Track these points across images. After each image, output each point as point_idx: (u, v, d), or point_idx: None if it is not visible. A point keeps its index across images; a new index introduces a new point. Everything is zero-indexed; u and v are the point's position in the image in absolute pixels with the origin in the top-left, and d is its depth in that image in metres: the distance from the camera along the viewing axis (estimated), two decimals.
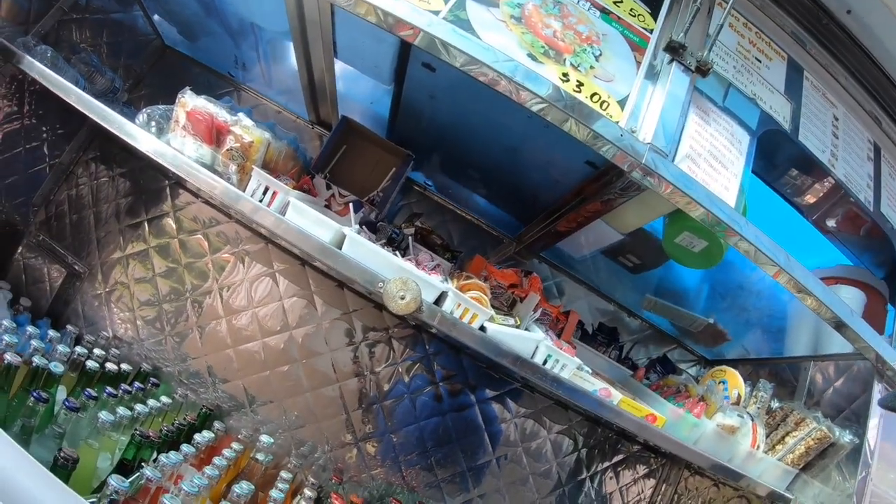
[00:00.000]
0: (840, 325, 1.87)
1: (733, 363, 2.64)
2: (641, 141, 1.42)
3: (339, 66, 2.02)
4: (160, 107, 1.64)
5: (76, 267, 2.36)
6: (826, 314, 1.83)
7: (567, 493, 2.59)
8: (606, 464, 2.65)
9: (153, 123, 1.58)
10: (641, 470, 2.69)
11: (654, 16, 1.71)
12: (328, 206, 1.95)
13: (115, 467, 1.44)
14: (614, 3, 1.65)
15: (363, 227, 1.74)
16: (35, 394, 1.30)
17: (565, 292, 2.68)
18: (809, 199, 2.20)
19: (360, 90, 2.23)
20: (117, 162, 2.39)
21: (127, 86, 2.38)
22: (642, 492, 2.68)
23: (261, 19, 2.09)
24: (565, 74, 1.42)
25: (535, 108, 1.35)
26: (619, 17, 1.63)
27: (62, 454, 1.19)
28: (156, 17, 2.41)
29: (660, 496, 2.67)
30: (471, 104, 1.66)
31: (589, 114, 1.38)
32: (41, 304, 2.32)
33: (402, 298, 1.38)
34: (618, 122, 1.43)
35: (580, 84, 1.43)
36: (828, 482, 1.94)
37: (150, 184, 2.41)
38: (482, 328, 1.54)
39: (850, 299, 2.16)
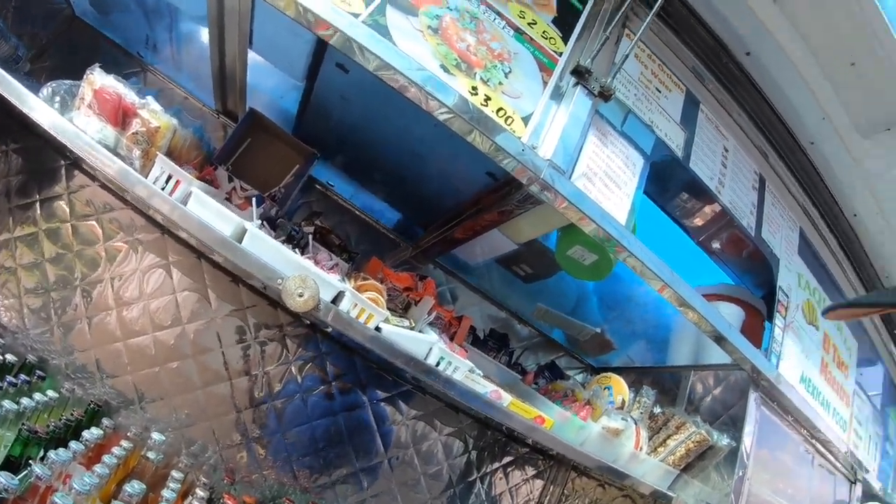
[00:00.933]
0: (719, 338, 2.12)
1: (619, 371, 2.85)
2: (542, 157, 1.57)
3: (252, 56, 2.06)
4: (66, 82, 1.62)
5: None
6: (706, 328, 2.07)
7: (458, 494, 2.72)
8: (496, 465, 2.81)
9: (57, 98, 1.57)
10: (530, 471, 2.88)
11: (565, 40, 1.88)
12: (229, 199, 1.98)
13: (0, 464, 1.42)
14: (528, 24, 1.81)
15: (263, 222, 1.77)
16: None
17: (459, 298, 2.82)
18: (697, 221, 2.44)
19: (270, 83, 2.27)
20: (12, 136, 2.28)
21: (30, 55, 2.28)
22: (531, 492, 2.87)
23: (178, 0, 2.13)
24: (474, 88, 1.55)
25: (441, 118, 1.46)
26: (532, 38, 1.79)
27: None
28: None
29: (548, 496, 2.87)
30: (380, 108, 1.75)
31: (493, 127, 1.51)
32: None
33: (301, 296, 1.45)
34: (520, 138, 1.57)
35: (488, 98, 1.56)
36: (707, 482, 2.18)
37: (45, 163, 2.32)
38: (378, 329, 1.62)
39: (729, 315, 2.40)
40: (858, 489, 3.10)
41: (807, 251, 2.82)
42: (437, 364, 1.70)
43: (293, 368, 2.53)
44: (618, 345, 2.78)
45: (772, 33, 2.24)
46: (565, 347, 3.03)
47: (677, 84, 2.24)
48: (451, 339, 2.11)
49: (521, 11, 1.82)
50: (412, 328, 1.79)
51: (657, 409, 2.35)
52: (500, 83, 1.63)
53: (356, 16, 1.46)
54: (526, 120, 1.62)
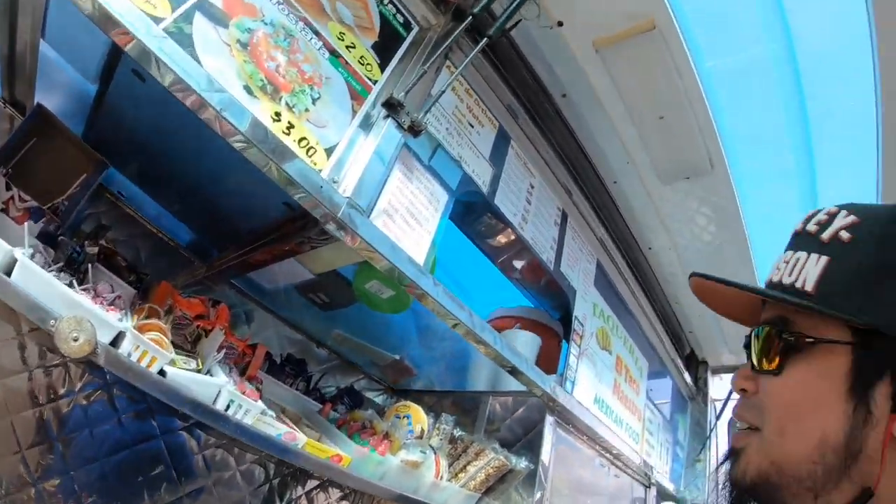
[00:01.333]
0: (514, 371, 2.26)
1: (419, 393, 2.98)
2: (341, 193, 1.57)
3: (46, 47, 1.86)
4: None
5: None
6: (502, 362, 2.20)
7: None
8: (300, 491, 2.78)
9: None
10: (335, 494, 2.89)
11: (383, 67, 1.90)
12: (5, 211, 1.76)
13: None
14: (347, 47, 1.80)
15: (41, 240, 1.60)
16: None
17: (255, 319, 2.71)
18: (500, 251, 2.60)
19: (63, 79, 2.06)
20: None
21: None
22: None
23: None
24: (278, 113, 1.51)
25: (237, 146, 1.41)
26: (347, 63, 1.78)
27: None
28: None
29: None
30: (178, 122, 1.64)
31: (291, 160, 1.47)
32: None
33: (76, 340, 1.30)
34: (321, 171, 1.55)
35: (291, 126, 1.53)
36: (509, 502, 2.33)
37: None
38: (162, 372, 1.51)
39: (525, 343, 2.57)
40: (653, 491, 3.54)
41: (603, 281, 3.10)
42: (227, 408, 1.63)
43: (81, 398, 2.30)
44: (417, 370, 2.88)
45: (589, 80, 2.43)
46: (364, 371, 3.07)
47: (491, 120, 2.34)
48: (245, 370, 2.04)
49: (341, 33, 1.81)
50: (200, 368, 1.71)
51: (458, 432, 2.47)
52: (307, 109, 1.61)
53: (158, 21, 1.36)
54: (329, 151, 1.62)
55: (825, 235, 0.88)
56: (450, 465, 2.32)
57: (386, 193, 1.76)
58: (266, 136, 1.45)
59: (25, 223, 1.70)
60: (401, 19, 2.05)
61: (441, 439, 2.35)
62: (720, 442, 4.44)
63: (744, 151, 2.76)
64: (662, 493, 3.77)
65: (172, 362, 1.57)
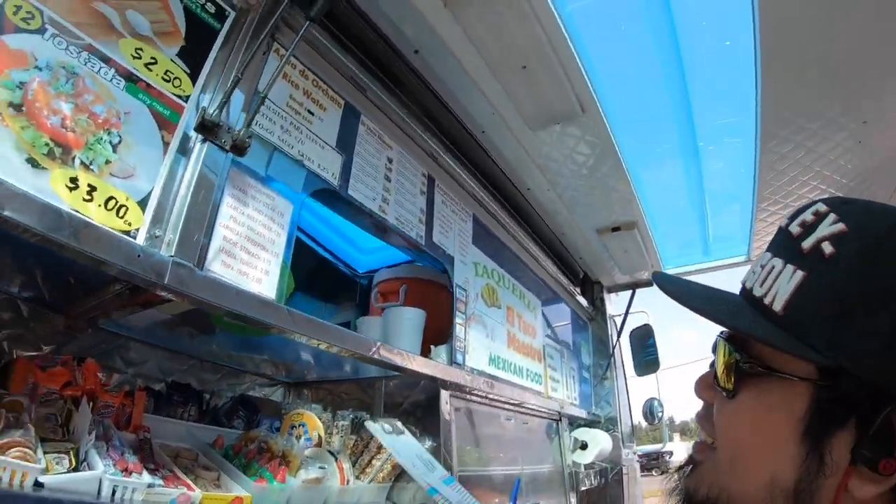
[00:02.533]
0: (398, 369, 2.34)
1: (316, 384, 3.04)
2: (163, 252, 1.50)
3: None
4: None
5: None
6: (386, 365, 2.29)
7: None
8: None
9: None
10: None
11: (194, 76, 1.77)
12: None
13: None
14: (146, 65, 1.65)
15: None
16: None
17: (132, 358, 2.59)
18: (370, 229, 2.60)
19: None
20: None
21: None
22: None
23: None
24: (74, 179, 1.40)
25: (32, 241, 1.31)
26: (149, 85, 1.64)
27: None
28: None
29: None
30: None
31: (98, 237, 1.39)
32: None
33: None
34: (137, 232, 1.48)
35: (92, 189, 1.43)
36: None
37: None
38: (38, 483, 1.43)
39: (411, 319, 2.67)
40: (565, 423, 3.91)
41: (482, 234, 3.17)
42: (113, 495, 1.62)
43: None
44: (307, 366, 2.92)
45: (440, 35, 2.40)
46: (256, 372, 3.08)
47: (334, 99, 2.27)
48: (129, 421, 2.02)
49: (136, 49, 1.66)
50: (75, 459, 1.64)
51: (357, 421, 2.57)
52: (108, 162, 1.50)
53: None
54: (143, 203, 1.53)
55: (806, 245, 0.82)
56: (355, 463, 2.41)
57: (219, 229, 1.69)
58: (60, 221, 1.33)
59: None
60: (212, 8, 1.89)
61: (342, 437, 2.43)
62: (624, 357, 4.87)
63: (617, 89, 2.84)
64: (573, 423, 4.08)
65: (45, 470, 1.49)
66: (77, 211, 1.41)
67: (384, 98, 2.50)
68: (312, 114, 2.17)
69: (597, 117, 2.79)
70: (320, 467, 2.21)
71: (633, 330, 4.95)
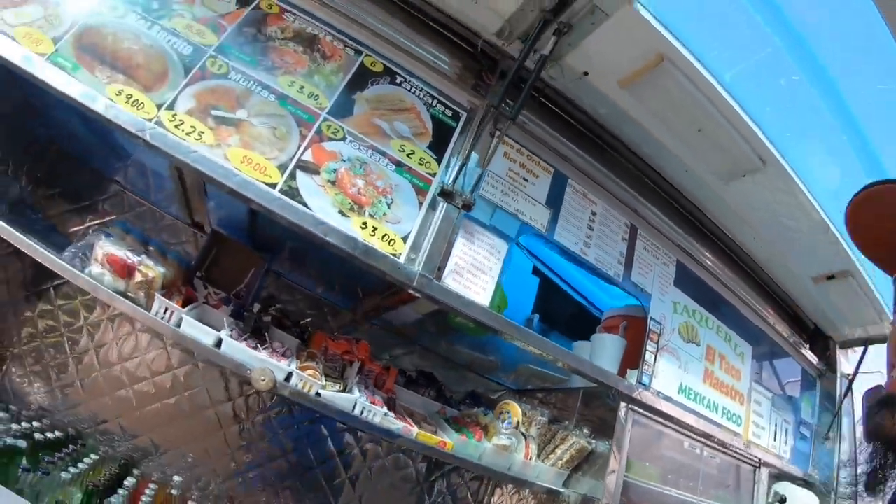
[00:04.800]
0: (585, 377, 3.07)
1: (531, 392, 3.89)
2: (414, 269, 2.47)
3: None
4: (81, 243, 2.47)
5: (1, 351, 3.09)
6: (574, 371, 3.03)
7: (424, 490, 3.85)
8: (438, 473, 3.91)
9: (77, 259, 2.39)
10: (468, 475, 4.00)
11: (439, 161, 2.77)
12: (206, 303, 2.81)
13: None
14: (407, 155, 2.68)
15: (233, 317, 2.68)
16: (22, 467, 2.18)
17: (395, 348, 3.85)
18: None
19: (227, 211, 3.19)
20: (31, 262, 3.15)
21: (29, 188, 3.16)
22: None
23: (147, 161, 3.03)
24: (364, 223, 2.43)
25: (343, 255, 2.38)
26: (410, 168, 2.66)
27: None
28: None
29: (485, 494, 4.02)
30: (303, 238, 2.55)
31: (375, 253, 2.40)
32: None
33: (263, 380, 2.28)
34: (400, 254, 2.46)
35: (375, 229, 2.44)
36: (598, 478, 3.08)
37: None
38: (318, 394, 2.50)
39: (612, 345, 3.32)
40: (764, 472, 3.97)
41: (686, 279, 3.72)
42: (361, 413, 2.57)
43: (271, 414, 3.51)
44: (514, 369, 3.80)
45: (627, 112, 3.15)
46: (483, 376, 4.12)
47: (545, 168, 3.13)
48: (382, 386, 3.04)
49: (401, 146, 2.69)
50: (344, 389, 2.69)
51: (554, 423, 3.29)
52: (385, 213, 2.51)
53: (273, 186, 2.33)
54: (405, 238, 2.51)
55: None
56: (542, 449, 3.13)
57: (453, 257, 2.64)
58: (356, 244, 2.39)
59: (221, 308, 2.82)
60: (449, 113, 2.91)
61: (538, 429, 3.16)
62: (854, 416, 4.61)
63: (795, 140, 3.19)
64: (777, 475, 4.11)
65: (323, 387, 2.55)
66: (366, 241, 2.43)
67: (590, 164, 3.32)
68: (526, 180, 3.03)
69: (779, 168, 3.19)
70: (509, 438, 2.95)
71: (868, 390, 4.53)
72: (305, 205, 2.37)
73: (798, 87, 3.03)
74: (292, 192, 2.37)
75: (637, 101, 3.06)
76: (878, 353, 4.52)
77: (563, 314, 4.38)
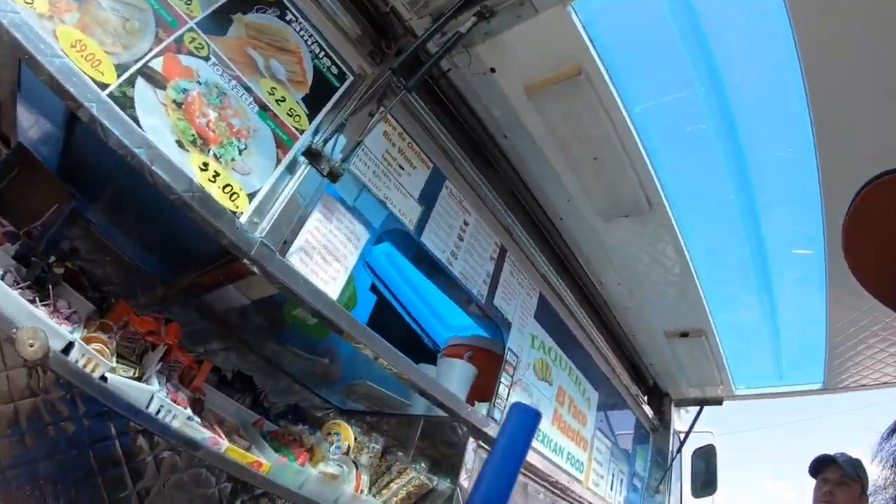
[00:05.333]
0: (437, 403, 2.67)
1: (363, 414, 3.41)
2: (258, 234, 1.99)
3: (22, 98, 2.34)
4: None
5: None
6: (425, 394, 2.63)
7: None
8: (245, 497, 3.25)
9: None
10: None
11: (311, 118, 2.32)
12: None
13: None
14: (276, 101, 2.22)
15: (17, 260, 2.05)
16: None
17: (212, 340, 3.15)
18: (436, 279, 3.02)
19: (38, 123, 2.56)
20: None
21: None
22: None
23: None
24: (205, 164, 1.94)
25: (170, 197, 1.84)
26: (276, 115, 2.21)
27: None
28: None
29: None
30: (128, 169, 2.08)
31: (212, 207, 1.89)
32: None
33: (31, 346, 1.74)
34: (241, 214, 1.98)
35: (216, 175, 1.95)
36: None
37: None
38: (104, 378, 1.91)
39: (461, 373, 3.03)
40: None
41: (546, 314, 3.49)
42: (158, 413, 2.04)
43: (41, 403, 2.78)
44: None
45: (524, 123, 2.88)
46: (312, 390, 3.51)
47: (424, 161, 2.77)
48: (190, 383, 2.49)
49: (272, 88, 2.24)
50: (139, 377, 2.16)
51: (389, 450, 2.90)
52: (233, 160, 2.04)
53: (105, 87, 1.80)
54: (252, 196, 2.04)
55: None
56: (374, 482, 2.72)
57: (304, 233, 2.18)
58: (190, 185, 1.88)
59: (4, 245, 2.20)
60: (335, 71, 2.49)
61: (370, 457, 2.76)
62: (683, 474, 4.79)
63: (685, 189, 3.13)
64: None
65: (113, 370, 1.98)
66: (203, 186, 1.93)
67: (470, 170, 2.98)
68: (402, 168, 2.66)
69: (664, 214, 3.08)
70: (339, 466, 2.54)
71: (697, 449, 4.84)
72: (136, 120, 1.86)
73: (703, 137, 2.98)
74: (125, 100, 1.86)
75: (538, 111, 2.82)
76: (709, 413, 4.85)
77: (397, 338, 3.98)
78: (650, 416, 4.78)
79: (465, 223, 2.97)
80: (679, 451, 4.81)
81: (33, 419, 2.68)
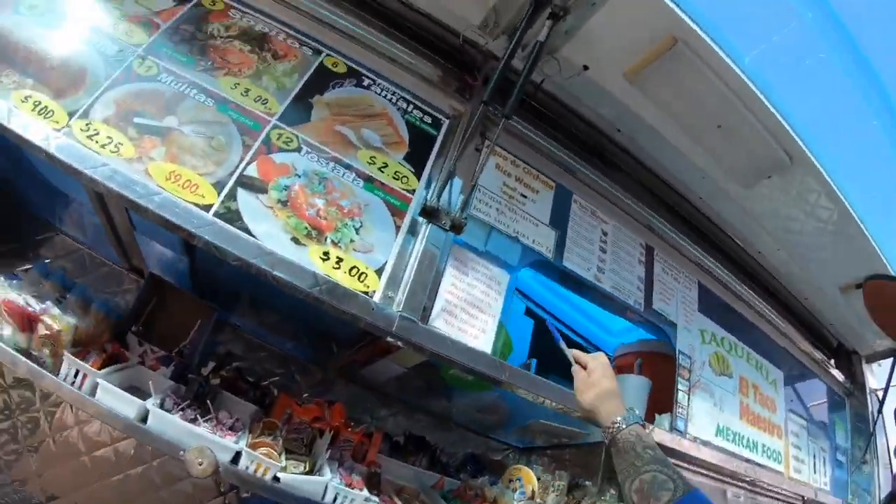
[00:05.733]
0: None
1: (542, 449, 3.11)
2: (394, 309, 1.78)
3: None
4: None
5: None
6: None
7: None
8: None
9: None
10: None
11: (419, 174, 2.11)
12: (142, 363, 2.13)
13: None
14: (379, 168, 2.02)
15: (175, 380, 2.01)
16: None
17: (378, 409, 2.99)
18: (593, 299, 2.71)
19: (164, 253, 2.52)
20: None
21: None
22: None
23: (71, 192, 2.39)
24: (326, 253, 1.76)
25: (298, 296, 1.69)
26: (383, 184, 2.00)
27: None
28: None
29: None
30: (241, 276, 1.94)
31: (341, 292, 1.72)
32: None
33: (200, 464, 1.67)
34: (373, 293, 1.77)
35: (340, 260, 1.77)
36: None
37: None
38: (276, 479, 1.81)
39: (636, 387, 2.68)
40: None
41: (710, 302, 3.06)
42: (334, 501, 1.92)
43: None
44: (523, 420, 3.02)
45: (634, 111, 2.53)
46: (485, 435, 3.26)
47: (545, 182, 2.48)
48: (364, 457, 2.33)
49: (371, 157, 2.04)
50: (311, 468, 2.01)
51: (583, 482, 2.60)
52: (352, 241, 1.84)
53: (208, 208, 1.68)
54: (380, 272, 1.84)
55: None
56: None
57: (442, 293, 1.96)
58: (316, 279, 1.70)
59: (160, 369, 2.14)
60: (428, 120, 2.27)
61: (557, 495, 2.47)
62: (888, 435, 4.07)
63: (822, 129, 2.62)
64: None
65: (283, 468, 1.86)
66: (328, 276, 1.74)
67: (594, 177, 2.65)
68: (525, 196, 2.39)
69: (807, 164, 2.58)
70: None
71: None
72: (248, 231, 1.73)
73: (825, 67, 2.54)
74: (231, 215, 1.73)
75: (645, 96, 2.46)
76: None
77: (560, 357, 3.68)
78: (841, 380, 4.07)
79: (604, 233, 2.64)
80: (880, 410, 3.97)
81: None
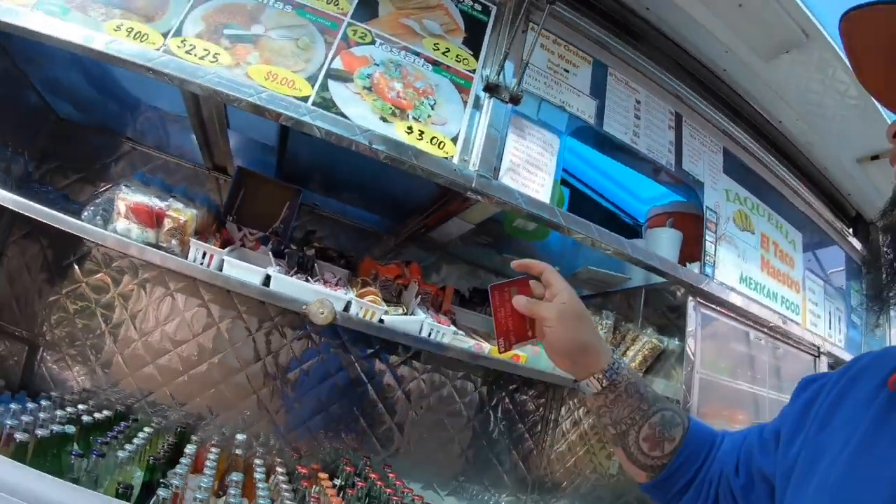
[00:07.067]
0: (654, 270, 2.72)
1: (588, 298, 3.53)
2: (471, 169, 2.14)
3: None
4: (99, 199, 2.16)
5: (32, 339, 2.77)
6: (642, 265, 2.68)
7: (478, 424, 3.49)
8: (503, 393, 3.56)
9: (98, 217, 2.08)
10: (531, 392, 3.65)
11: (477, 56, 2.41)
12: (243, 245, 2.53)
13: (141, 489, 1.92)
14: (443, 53, 2.31)
15: (274, 256, 2.38)
16: (74, 452, 1.82)
17: (442, 268, 3.51)
18: (628, 161, 3.02)
19: (250, 146, 2.88)
20: (48, 240, 2.82)
21: (34, 164, 2.80)
22: (536, 409, 3.66)
23: (159, 104, 2.67)
24: (409, 128, 2.09)
25: (389, 162, 2.04)
26: (448, 66, 2.31)
27: (120, 485, 1.73)
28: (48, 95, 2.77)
29: (551, 410, 3.66)
30: (340, 153, 2.15)
31: (428, 157, 2.07)
32: (13, 379, 2.70)
33: (322, 314, 2.04)
34: (452, 157, 2.12)
35: (422, 132, 2.11)
36: (669, 378, 2.81)
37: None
38: (381, 321, 2.23)
39: (668, 239, 3.01)
40: (823, 361, 3.68)
41: (734, 166, 3.35)
42: (429, 335, 2.31)
43: (325, 358, 3.20)
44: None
45: None
46: None
47: (584, 57, 2.74)
48: (440, 307, 2.74)
49: (435, 44, 2.33)
50: (406, 312, 2.41)
51: (620, 324, 3.02)
52: (429, 116, 2.17)
53: (305, 99, 2.00)
54: (455, 140, 2.17)
55: None
56: (612, 352, 2.83)
57: (507, 155, 2.30)
58: (406, 149, 2.06)
59: (260, 248, 2.52)
60: (479, 8, 2.53)
61: (605, 332, 2.88)
62: None
63: (837, 6, 2.82)
64: (833, 364, 3.79)
65: (386, 312, 2.28)
66: (415, 146, 2.09)
67: (626, 51, 2.93)
68: (567, 71, 2.66)
69: (822, 40, 2.81)
70: None
71: None
72: (343, 115, 2.05)
73: None
74: (327, 103, 2.04)
75: None
76: None
77: (598, 222, 4.03)
78: (859, 248, 4.36)
79: (637, 101, 2.91)
80: (892, 279, 4.27)
81: (318, 376, 3.21)
